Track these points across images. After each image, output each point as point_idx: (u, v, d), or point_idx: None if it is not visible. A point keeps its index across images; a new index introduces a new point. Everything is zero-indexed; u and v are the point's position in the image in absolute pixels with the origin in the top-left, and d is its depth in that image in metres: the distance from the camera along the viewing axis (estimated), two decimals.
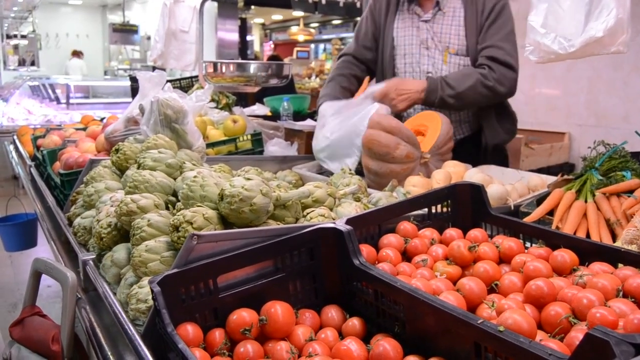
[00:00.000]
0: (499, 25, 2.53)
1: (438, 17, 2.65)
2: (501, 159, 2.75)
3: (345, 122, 2.36)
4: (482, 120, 2.68)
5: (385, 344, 1.11)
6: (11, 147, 4.36)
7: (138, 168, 1.77)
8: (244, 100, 5.24)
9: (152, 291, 1.11)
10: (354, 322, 1.24)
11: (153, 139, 1.91)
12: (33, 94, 8.71)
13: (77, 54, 15.51)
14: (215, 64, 2.69)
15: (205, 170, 1.63)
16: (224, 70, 2.67)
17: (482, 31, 2.56)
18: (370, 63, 2.95)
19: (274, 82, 2.73)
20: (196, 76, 4.20)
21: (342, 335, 1.23)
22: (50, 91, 8.84)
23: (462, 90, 2.47)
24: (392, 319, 1.19)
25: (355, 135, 2.26)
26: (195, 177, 1.49)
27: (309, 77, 15.06)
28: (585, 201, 1.77)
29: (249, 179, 1.40)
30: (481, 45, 2.56)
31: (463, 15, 2.61)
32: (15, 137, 4.32)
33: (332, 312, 1.29)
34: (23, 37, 13.93)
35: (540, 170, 2.61)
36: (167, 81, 4.31)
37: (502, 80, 2.50)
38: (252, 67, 2.70)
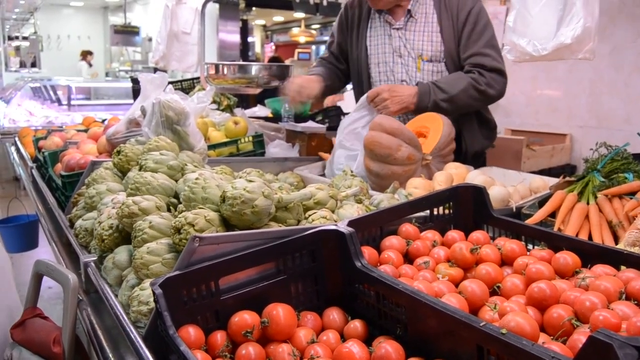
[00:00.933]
0: (479, 32, 2.53)
1: (410, 24, 2.65)
2: (480, 165, 2.73)
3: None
4: (462, 126, 2.67)
5: (387, 346, 1.11)
6: (12, 148, 4.37)
7: (140, 170, 1.77)
8: (245, 102, 5.24)
9: (154, 293, 1.11)
10: (356, 325, 1.24)
11: (155, 141, 1.91)
12: (34, 96, 8.71)
13: (85, 55, 15.52)
14: (217, 66, 2.69)
15: (207, 172, 1.62)
16: (225, 71, 2.67)
17: (463, 39, 2.55)
18: (344, 71, 3.02)
19: (275, 83, 2.73)
20: (198, 78, 4.20)
21: (343, 338, 1.23)
22: (51, 93, 8.84)
23: (455, 94, 2.47)
24: (394, 321, 1.19)
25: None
26: (197, 179, 1.48)
27: None
28: (588, 203, 1.76)
29: (251, 180, 1.39)
30: (465, 53, 2.56)
31: (437, 20, 2.60)
32: (16, 138, 4.32)
33: (334, 314, 1.29)
34: (25, 38, 13.96)
35: (541, 172, 2.60)
36: (169, 83, 4.33)
37: (493, 84, 2.50)
38: (254, 68, 2.69)
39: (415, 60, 2.63)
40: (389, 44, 2.70)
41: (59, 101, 8.66)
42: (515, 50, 2.15)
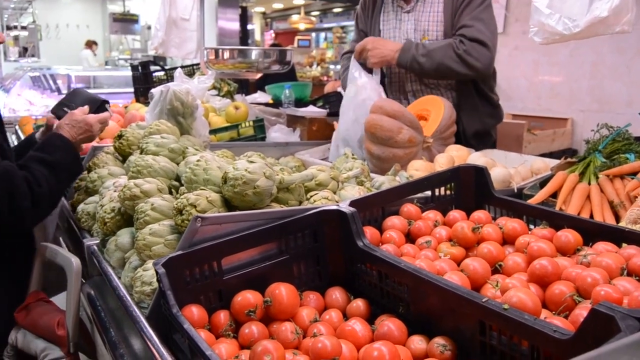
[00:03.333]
0: (472, 7, 2.53)
1: (419, 6, 2.67)
2: (487, 146, 2.71)
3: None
4: (461, 103, 2.66)
5: (389, 323, 1.12)
6: (13, 137, 4.37)
7: (141, 153, 1.77)
8: (245, 88, 5.22)
9: (157, 273, 1.11)
10: (358, 304, 1.25)
11: (155, 125, 1.91)
12: (34, 85, 8.67)
13: (90, 44, 15.45)
14: (216, 51, 2.68)
15: (208, 154, 1.63)
16: (225, 56, 2.66)
17: (456, 15, 2.56)
18: None
19: (275, 68, 2.72)
20: (197, 64, 4.18)
21: (346, 317, 1.24)
22: (51, 82, 8.80)
23: (432, 49, 2.47)
24: (397, 299, 1.19)
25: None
26: (198, 161, 1.49)
27: (310, 66, 15.00)
28: (589, 183, 1.76)
29: (252, 162, 1.39)
30: (455, 28, 2.57)
31: (443, 1, 2.61)
32: (17, 127, 4.32)
33: (336, 294, 1.29)
34: (23, 28, 13.87)
35: (542, 156, 2.58)
36: (167, 70, 4.31)
37: (472, 53, 2.46)
38: (254, 53, 2.69)
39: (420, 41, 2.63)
40: (399, 28, 2.72)
41: (58, 90, 8.62)
42: (543, 30, 2.08)
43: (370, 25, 2.87)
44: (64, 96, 2.19)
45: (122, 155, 1.97)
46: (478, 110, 2.67)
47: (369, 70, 2.55)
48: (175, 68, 4.36)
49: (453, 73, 2.51)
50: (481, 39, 2.47)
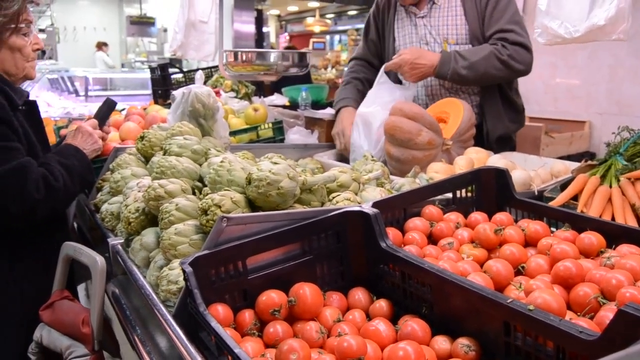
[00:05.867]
0: (501, 9, 2.52)
1: (434, 11, 2.66)
2: (507, 149, 2.68)
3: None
4: (486, 108, 2.66)
5: (413, 324, 1.12)
6: None
7: (164, 154, 1.79)
8: (261, 91, 5.25)
9: (184, 272, 1.13)
10: (381, 304, 1.25)
11: (177, 126, 1.93)
12: (52, 87, 8.76)
13: (100, 46, 15.60)
14: (235, 53, 2.70)
15: (230, 155, 1.64)
16: (244, 58, 2.68)
17: (486, 18, 2.55)
18: (377, 70, 2.97)
19: (294, 70, 2.74)
20: (215, 66, 4.21)
21: (369, 317, 1.25)
22: (68, 84, 8.89)
23: (475, 60, 2.44)
24: (420, 300, 1.20)
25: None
26: (222, 162, 1.50)
27: (325, 68, 15.02)
28: (610, 186, 1.76)
29: (275, 163, 1.41)
30: (488, 32, 2.54)
31: (460, 3, 2.61)
32: None
33: (359, 294, 1.30)
34: (42, 31, 14.03)
35: (560, 159, 2.57)
36: (185, 72, 4.35)
37: (516, 57, 2.46)
38: (273, 55, 2.71)
39: (441, 45, 2.63)
40: (415, 33, 2.72)
41: (76, 92, 8.71)
42: (546, 33, 2.12)
43: (384, 33, 2.87)
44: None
45: (145, 157, 1.99)
46: (502, 116, 2.66)
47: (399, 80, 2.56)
48: (192, 70, 4.41)
49: (496, 79, 2.54)
50: (523, 42, 2.47)
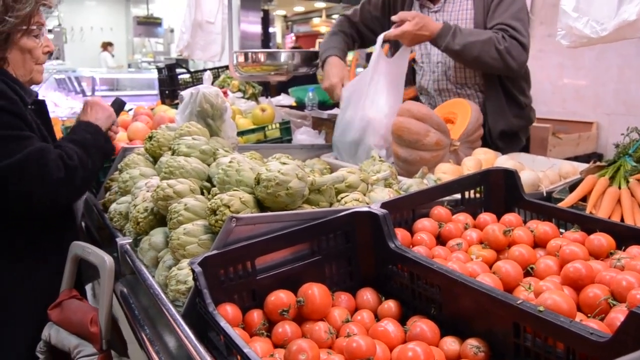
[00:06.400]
0: (507, 4, 2.49)
1: (447, 6, 2.66)
2: (515, 148, 2.67)
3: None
4: (488, 103, 2.64)
5: (422, 324, 1.12)
6: None
7: (172, 154, 1.80)
8: (268, 91, 5.26)
9: (193, 271, 1.13)
10: (390, 305, 1.25)
11: (186, 126, 1.93)
12: (59, 87, 8.79)
13: (105, 46, 15.66)
14: (246, 54, 2.70)
15: (239, 156, 1.65)
16: (255, 59, 2.68)
17: (490, 10, 2.53)
18: (369, 35, 2.94)
19: (303, 70, 2.74)
20: (223, 67, 4.21)
21: (377, 318, 1.25)
22: (75, 84, 8.92)
23: (472, 41, 2.40)
24: (428, 301, 1.20)
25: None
26: (230, 162, 1.51)
27: None
28: (619, 187, 1.75)
29: (284, 163, 1.41)
30: (489, 24, 2.52)
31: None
32: None
33: (368, 295, 1.30)
34: (49, 31, 14.10)
35: (567, 160, 2.55)
36: (192, 72, 4.36)
37: (512, 52, 2.42)
38: (283, 55, 2.71)
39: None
40: None
41: (83, 92, 8.74)
42: (570, 34, 2.06)
43: (390, 17, 2.83)
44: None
45: (153, 157, 2.00)
46: (504, 111, 2.63)
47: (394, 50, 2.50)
48: (199, 71, 4.42)
49: (486, 67, 2.50)
50: (522, 40, 2.45)
